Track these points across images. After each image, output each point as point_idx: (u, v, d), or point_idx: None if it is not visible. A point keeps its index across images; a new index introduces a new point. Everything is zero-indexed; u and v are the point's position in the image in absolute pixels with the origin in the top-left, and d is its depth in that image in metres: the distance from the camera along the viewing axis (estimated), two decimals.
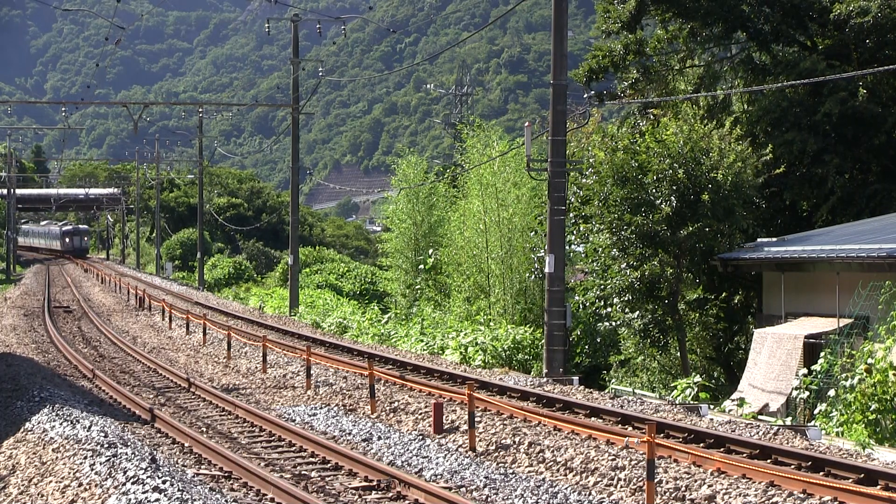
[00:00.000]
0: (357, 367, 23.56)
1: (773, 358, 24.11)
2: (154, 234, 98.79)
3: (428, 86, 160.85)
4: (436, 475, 14.70)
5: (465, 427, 16.88)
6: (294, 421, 19.01)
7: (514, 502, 13.27)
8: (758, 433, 16.46)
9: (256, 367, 26.56)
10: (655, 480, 12.79)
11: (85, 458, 13.73)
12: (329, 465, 15.31)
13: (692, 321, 30.61)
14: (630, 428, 16.89)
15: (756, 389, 24.02)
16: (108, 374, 25.46)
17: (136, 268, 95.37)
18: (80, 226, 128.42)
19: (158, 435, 17.78)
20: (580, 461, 14.68)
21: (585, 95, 39.69)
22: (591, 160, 30.49)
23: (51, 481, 13.14)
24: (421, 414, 18.79)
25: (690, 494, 12.90)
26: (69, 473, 13.16)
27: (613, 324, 31.39)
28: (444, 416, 17.81)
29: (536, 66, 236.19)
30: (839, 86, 31.80)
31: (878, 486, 12.73)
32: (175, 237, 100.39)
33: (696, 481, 13.30)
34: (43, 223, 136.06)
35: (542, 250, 33.33)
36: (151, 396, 22.29)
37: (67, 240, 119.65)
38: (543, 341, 25.97)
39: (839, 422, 19.22)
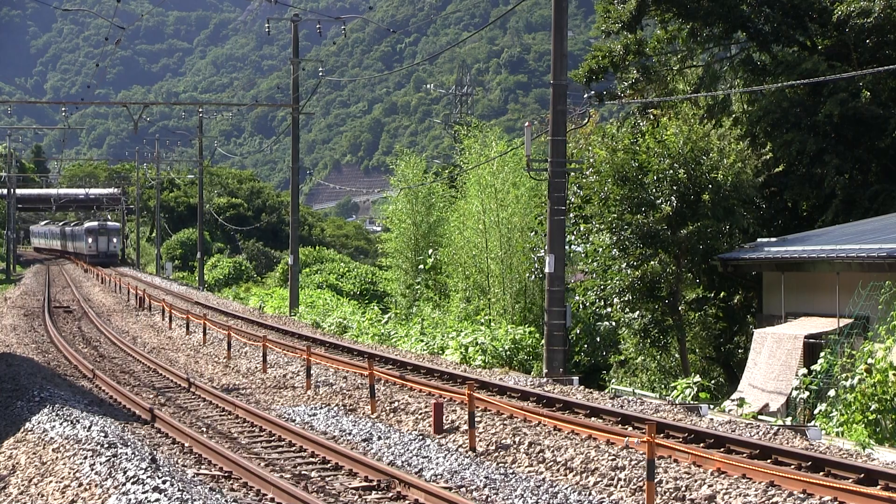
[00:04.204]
0: (357, 367, 23.56)
1: (773, 358, 24.11)
2: (154, 234, 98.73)
3: (428, 86, 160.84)
4: (436, 475, 14.70)
5: (465, 427, 16.88)
6: (294, 421, 19.01)
7: (514, 502, 13.27)
8: (758, 433, 16.46)
9: (256, 367, 26.56)
10: (655, 480, 12.79)
11: (85, 458, 13.73)
12: (329, 465, 15.31)
13: (692, 321, 30.62)
14: (630, 428, 16.89)
15: (756, 389, 24.02)
16: (108, 374, 25.45)
17: (136, 268, 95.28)
18: (109, 222, 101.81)
19: (158, 435, 17.78)
20: (580, 461, 14.68)
21: (585, 95, 39.72)
22: (591, 159, 30.50)
23: (51, 481, 13.14)
24: (421, 414, 18.79)
25: (690, 494, 12.89)
26: (69, 473, 13.16)
27: (613, 324, 31.39)
28: (444, 416, 17.81)
29: (536, 66, 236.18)
30: (839, 86, 31.82)
31: (878, 486, 12.73)
32: (175, 237, 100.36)
33: (696, 481, 13.30)
34: (61, 223, 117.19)
35: (542, 250, 33.33)
36: (151, 396, 22.28)
37: (91, 240, 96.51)
38: (543, 341, 25.97)
39: (839, 422, 19.22)
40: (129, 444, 14.76)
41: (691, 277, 29.64)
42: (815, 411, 20.57)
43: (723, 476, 13.54)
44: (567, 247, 31.28)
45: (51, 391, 20.85)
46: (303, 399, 21.85)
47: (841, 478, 13.18)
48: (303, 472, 14.86)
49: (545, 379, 23.62)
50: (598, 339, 32.36)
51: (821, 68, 31.41)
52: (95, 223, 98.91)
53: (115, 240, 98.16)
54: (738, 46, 37.15)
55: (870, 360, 19.28)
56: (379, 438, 17.15)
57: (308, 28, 59.87)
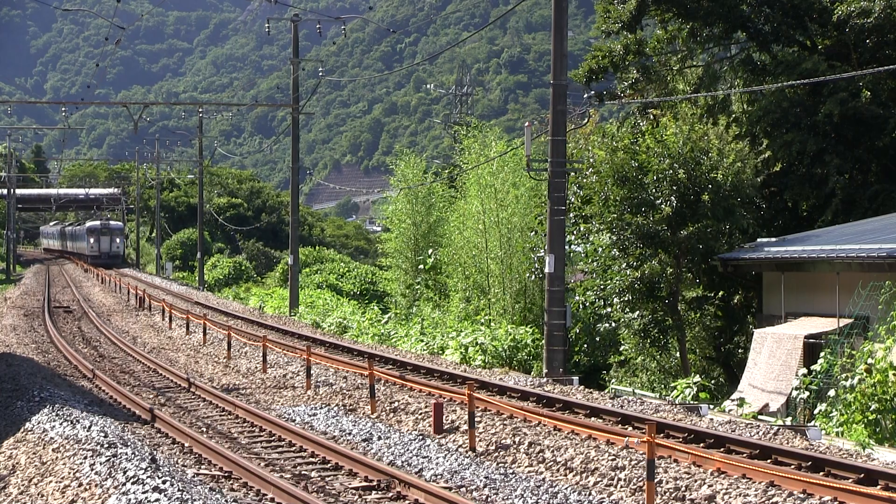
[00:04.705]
0: (357, 367, 23.55)
1: (773, 358, 24.11)
2: (154, 234, 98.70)
3: (428, 86, 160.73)
4: (436, 475, 14.70)
5: (465, 427, 16.87)
6: (294, 421, 19.01)
7: (514, 502, 13.27)
8: (758, 433, 16.46)
9: (256, 367, 26.56)
10: (655, 480, 12.79)
11: (85, 458, 13.73)
12: (329, 465, 15.31)
13: (692, 321, 30.61)
14: (630, 428, 16.89)
15: (756, 389, 24.02)
16: (108, 374, 25.45)
17: (136, 268, 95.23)
18: (112, 222, 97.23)
19: (158, 435, 17.78)
20: (580, 461, 14.68)
21: (585, 95, 39.72)
22: (591, 160, 30.51)
23: (51, 481, 13.14)
24: (421, 414, 18.79)
25: (690, 494, 12.89)
26: (69, 473, 13.15)
27: (613, 324, 31.39)
28: (444, 416, 17.81)
29: (536, 66, 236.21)
30: (839, 86, 31.83)
31: (878, 486, 12.73)
32: (175, 237, 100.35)
33: (696, 481, 13.30)
34: (67, 223, 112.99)
35: (542, 250, 33.34)
36: (151, 396, 22.28)
37: (93, 240, 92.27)
38: (543, 341, 25.98)
39: (839, 422, 19.22)
40: (129, 444, 14.76)
41: (691, 277, 29.64)
42: (815, 411, 20.57)
43: (723, 476, 13.54)
44: (567, 247, 31.28)
45: (51, 391, 20.85)
46: (303, 399, 21.85)
47: (841, 478, 13.17)
48: (303, 472, 14.86)
49: (545, 379, 23.62)
50: (598, 339, 32.36)
51: (821, 68, 31.40)
52: (97, 222, 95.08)
53: (118, 240, 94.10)
54: (738, 46, 37.15)
55: (870, 360, 19.28)
56: (379, 438, 17.15)
57: (308, 28, 59.91)
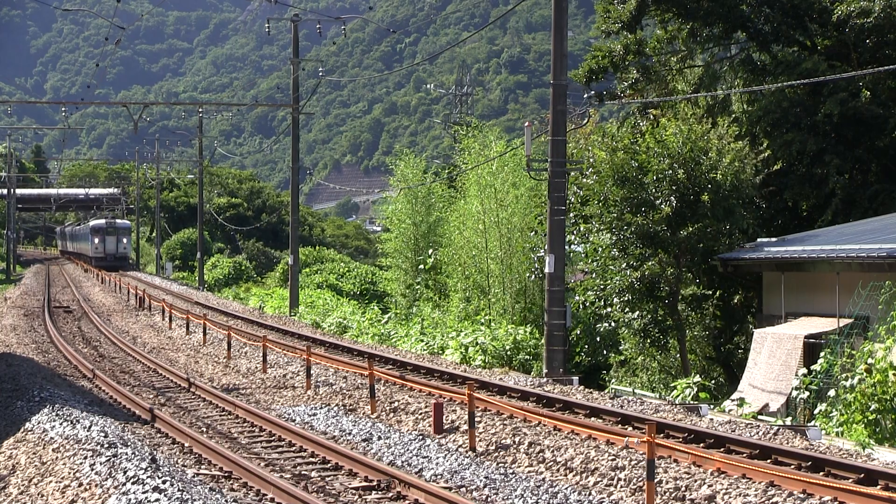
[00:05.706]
0: (357, 367, 23.55)
1: (773, 358, 24.12)
2: (154, 234, 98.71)
3: (428, 86, 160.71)
4: (436, 475, 14.70)
5: (465, 427, 16.87)
6: (294, 421, 19.01)
7: (514, 502, 13.27)
8: (758, 433, 16.46)
9: (256, 367, 26.56)
10: (655, 480, 12.78)
11: (85, 458, 13.73)
12: (329, 465, 15.31)
13: (692, 321, 30.62)
14: (630, 428, 16.89)
15: (756, 389, 24.03)
16: (108, 374, 25.45)
17: (136, 268, 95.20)
18: (118, 220, 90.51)
19: (158, 435, 17.77)
20: (580, 461, 14.68)
21: (585, 95, 39.75)
22: (591, 160, 30.52)
23: (51, 481, 13.14)
24: (421, 414, 18.79)
25: (690, 494, 12.89)
26: (69, 473, 13.15)
27: (613, 324, 31.39)
28: (444, 416, 17.80)
29: (536, 66, 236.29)
30: (839, 86, 31.84)
31: (878, 486, 12.73)
32: (175, 237, 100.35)
33: (696, 481, 13.30)
34: (79, 224, 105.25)
35: (542, 250, 33.34)
36: (151, 396, 22.28)
37: (97, 241, 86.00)
38: (543, 341, 25.97)
39: (839, 422, 19.22)
40: (129, 444, 14.76)
41: (691, 277, 29.65)
42: (815, 411, 20.57)
43: (723, 476, 13.54)
44: (567, 247, 31.28)
45: (51, 391, 20.85)
46: (303, 399, 21.85)
47: (841, 478, 13.17)
48: (303, 472, 14.86)
49: (545, 379, 23.62)
50: (598, 339, 32.36)
51: (821, 68, 31.42)
52: (102, 221, 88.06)
53: (125, 240, 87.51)
54: (738, 46, 37.17)
55: (870, 360, 19.29)
56: (379, 438, 17.15)
57: (308, 28, 59.96)
